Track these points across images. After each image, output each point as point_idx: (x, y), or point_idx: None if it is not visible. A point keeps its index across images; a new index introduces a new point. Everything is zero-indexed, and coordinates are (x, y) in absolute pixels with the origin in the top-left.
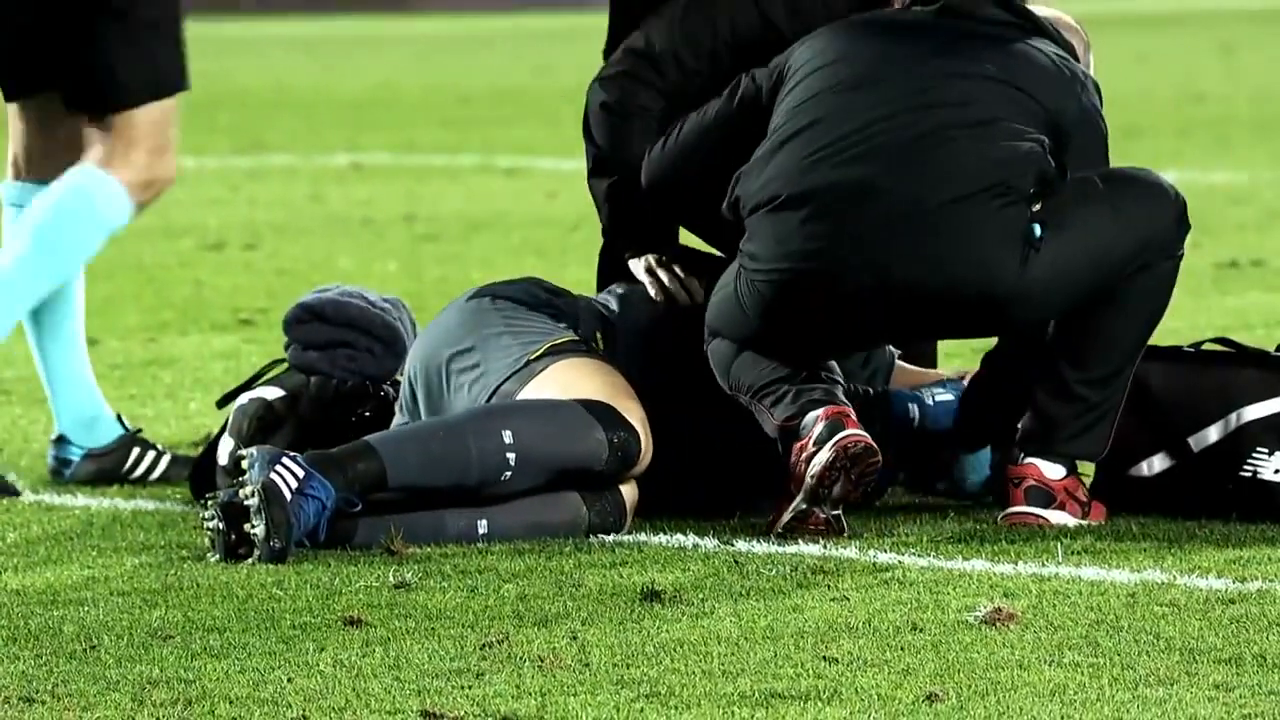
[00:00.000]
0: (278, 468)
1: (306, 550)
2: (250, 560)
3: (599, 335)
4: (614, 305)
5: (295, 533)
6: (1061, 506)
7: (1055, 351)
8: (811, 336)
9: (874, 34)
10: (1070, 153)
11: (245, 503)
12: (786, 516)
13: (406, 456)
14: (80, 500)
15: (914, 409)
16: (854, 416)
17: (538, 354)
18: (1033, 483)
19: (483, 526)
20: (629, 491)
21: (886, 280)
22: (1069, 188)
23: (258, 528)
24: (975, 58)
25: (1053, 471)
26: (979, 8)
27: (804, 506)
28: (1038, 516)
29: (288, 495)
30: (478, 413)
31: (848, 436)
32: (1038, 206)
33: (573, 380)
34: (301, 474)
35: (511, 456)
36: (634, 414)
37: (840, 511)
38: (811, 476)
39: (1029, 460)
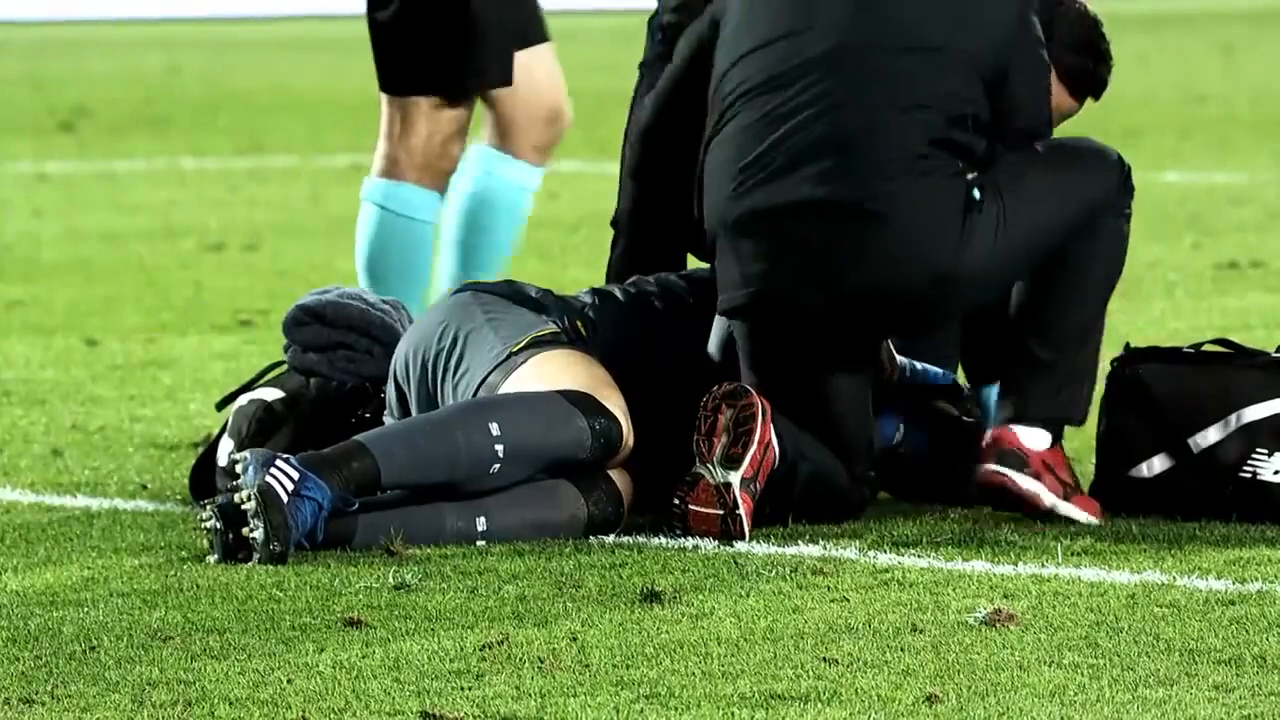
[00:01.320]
0: (272, 470)
1: (306, 551)
2: (249, 563)
3: (580, 326)
4: (597, 302)
5: (293, 535)
6: (1037, 477)
7: (1016, 318)
8: (800, 370)
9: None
10: (1009, 93)
11: (242, 507)
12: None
13: (397, 453)
14: (80, 501)
15: (904, 363)
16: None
17: (519, 346)
18: (1007, 447)
19: (481, 524)
20: (622, 481)
21: (836, 292)
22: (1010, 157)
23: (256, 531)
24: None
25: (1033, 440)
26: None
27: (694, 469)
28: (1004, 476)
29: (284, 498)
30: (464, 407)
31: (723, 384)
32: (973, 174)
33: (554, 371)
34: (296, 476)
35: (500, 449)
36: (613, 402)
37: (735, 483)
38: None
39: (1009, 427)
